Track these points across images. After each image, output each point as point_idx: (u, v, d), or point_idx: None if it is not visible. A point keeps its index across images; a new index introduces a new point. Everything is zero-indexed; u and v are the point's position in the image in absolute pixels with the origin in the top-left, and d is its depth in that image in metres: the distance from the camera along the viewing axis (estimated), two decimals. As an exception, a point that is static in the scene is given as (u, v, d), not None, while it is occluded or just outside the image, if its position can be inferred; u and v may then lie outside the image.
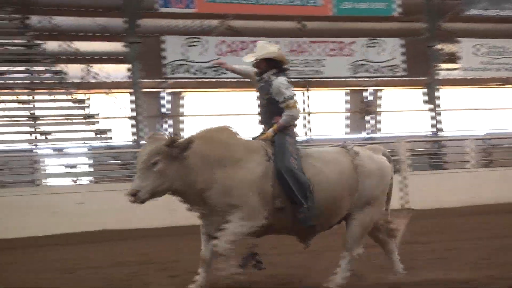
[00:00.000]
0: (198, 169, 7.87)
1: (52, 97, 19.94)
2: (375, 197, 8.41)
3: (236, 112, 22.54)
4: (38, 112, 19.46)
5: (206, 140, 8.06)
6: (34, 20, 20.78)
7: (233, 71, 8.88)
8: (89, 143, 19.19)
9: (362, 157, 8.44)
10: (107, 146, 19.17)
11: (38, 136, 19.12)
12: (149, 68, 20.80)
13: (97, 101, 21.61)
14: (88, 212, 15.03)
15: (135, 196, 7.61)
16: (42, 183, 16.96)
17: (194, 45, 21.18)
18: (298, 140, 8.34)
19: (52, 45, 20.87)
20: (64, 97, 19.96)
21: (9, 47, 20.14)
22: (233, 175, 7.93)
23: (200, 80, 21.86)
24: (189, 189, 7.91)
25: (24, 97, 19.57)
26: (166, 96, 23.26)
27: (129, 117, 21.23)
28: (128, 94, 21.48)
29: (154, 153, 7.79)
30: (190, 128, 22.72)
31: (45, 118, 19.38)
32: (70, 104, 19.94)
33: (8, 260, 11.78)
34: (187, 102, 23.73)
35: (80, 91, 20.47)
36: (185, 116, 23.63)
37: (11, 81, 19.86)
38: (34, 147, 18.79)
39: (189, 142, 7.82)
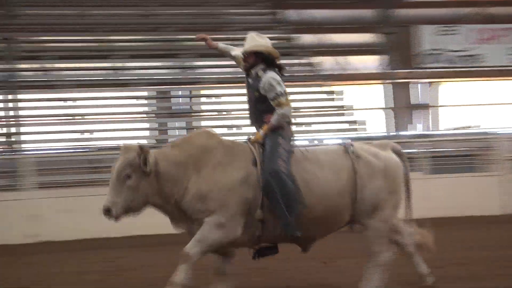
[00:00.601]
0: (174, 179, 7.35)
1: (307, 89, 20.24)
2: (383, 199, 7.58)
3: (496, 102, 21.68)
4: (293, 104, 19.74)
5: (181, 148, 7.52)
6: (290, 14, 21.27)
7: (216, 49, 8.22)
8: (343, 134, 19.28)
9: (363, 158, 7.60)
10: (362, 138, 19.14)
11: (295, 128, 19.43)
12: (400, 59, 20.57)
13: (351, 93, 21.67)
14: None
15: (108, 213, 7.16)
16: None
17: (446, 34, 20.63)
18: (293, 140, 7.52)
19: (307, 38, 21.21)
20: (318, 89, 20.20)
21: (265, 42, 20.61)
22: (209, 179, 7.32)
23: (456, 69, 21.29)
24: (167, 202, 7.38)
25: (282, 90, 19.89)
26: (420, 87, 22.85)
27: (383, 108, 21.11)
28: (380, 85, 21.37)
29: (125, 166, 7.27)
30: (446, 119, 22.18)
31: (301, 110, 19.69)
32: (325, 96, 20.13)
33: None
34: (443, 92, 23.15)
35: (334, 82, 20.62)
36: (441, 106, 23.05)
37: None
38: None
39: (154, 156, 7.26)
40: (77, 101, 18.10)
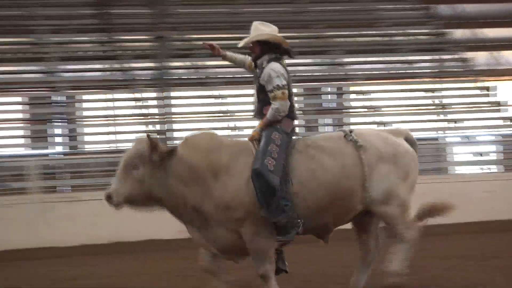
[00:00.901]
0: (187, 181, 7.18)
1: (459, 85, 19.76)
2: (395, 185, 7.33)
3: None
4: (445, 101, 19.40)
5: (193, 149, 7.31)
6: (442, 8, 20.82)
7: (224, 57, 7.89)
8: (497, 131, 18.70)
9: (368, 144, 7.34)
10: (517, 134, 18.52)
11: (445, 124, 19.06)
12: None
13: (505, 88, 20.94)
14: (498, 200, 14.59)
15: (109, 200, 7.11)
16: (449, 171, 16.85)
17: None
18: (292, 134, 7.34)
19: (460, 33, 20.69)
20: (471, 84, 19.66)
21: (417, 37, 20.36)
22: (228, 185, 7.14)
23: None
24: (177, 201, 7.22)
25: (432, 86, 19.60)
26: None
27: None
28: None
29: (135, 157, 7.19)
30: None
31: (453, 106, 19.23)
32: (478, 91, 19.58)
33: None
34: None
35: (488, 78, 20.00)
36: None
37: (419, 70, 20.02)
38: (441, 135, 18.74)
39: (173, 150, 7.18)
40: (227, 98, 18.36)
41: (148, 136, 7.18)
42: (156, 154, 7.12)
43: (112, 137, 17.74)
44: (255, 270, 7.15)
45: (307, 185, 7.20)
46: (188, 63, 18.64)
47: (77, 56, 18.36)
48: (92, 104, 18.16)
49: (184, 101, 18.33)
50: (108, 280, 9.81)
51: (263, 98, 7.33)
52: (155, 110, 17.22)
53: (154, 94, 17.25)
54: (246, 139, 7.44)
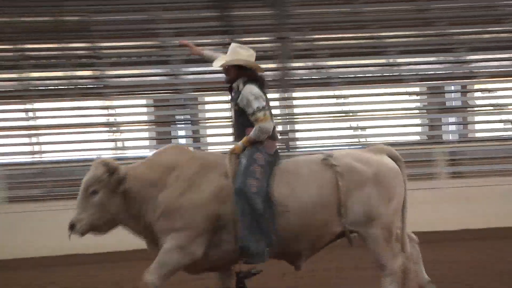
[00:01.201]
0: (142, 199, 7.02)
1: None
2: (376, 206, 7.10)
3: None
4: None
5: (150, 165, 7.19)
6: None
7: (201, 55, 7.87)
8: None
9: (347, 167, 7.12)
10: None
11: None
12: None
13: None
14: None
15: (72, 228, 6.96)
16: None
17: None
18: (276, 155, 7.19)
19: None
20: None
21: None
22: (178, 196, 6.98)
23: None
24: (138, 223, 7.08)
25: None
26: None
27: None
28: None
29: (93, 182, 7.01)
30: None
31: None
32: None
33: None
34: None
35: None
36: None
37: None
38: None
39: (125, 173, 6.97)
40: (349, 98, 18.20)
41: (104, 160, 7.11)
42: (114, 178, 7.00)
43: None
44: (144, 274, 6.92)
45: (282, 213, 7.04)
46: (309, 64, 18.60)
47: (199, 59, 18.56)
48: (214, 106, 18.36)
49: (306, 101, 18.28)
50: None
51: (242, 122, 7.26)
52: (277, 111, 17.24)
53: (276, 95, 17.27)
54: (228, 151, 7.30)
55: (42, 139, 16.52)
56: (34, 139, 16.37)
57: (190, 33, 18.39)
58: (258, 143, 7.18)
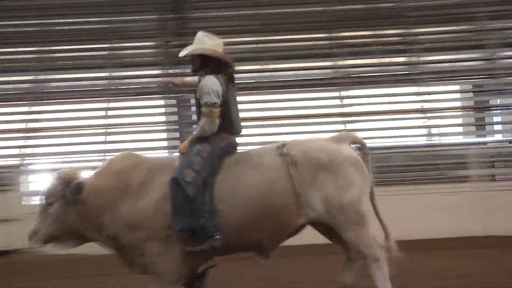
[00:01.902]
0: (99, 210, 7.00)
1: None
2: (335, 193, 6.92)
3: None
4: None
5: (104, 175, 7.13)
6: None
7: (184, 85, 7.80)
8: None
9: (299, 156, 6.98)
10: None
11: None
12: None
13: None
14: None
15: (31, 239, 7.04)
16: None
17: None
18: (228, 148, 7.08)
19: None
20: None
21: None
22: (133, 205, 6.96)
23: None
24: (99, 234, 7.04)
25: None
26: None
27: None
28: None
29: (48, 194, 7.06)
30: None
31: None
32: None
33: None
34: None
35: None
36: None
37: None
38: None
39: (79, 184, 6.97)
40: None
41: (62, 172, 7.13)
42: (68, 190, 7.01)
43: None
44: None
45: (228, 202, 6.97)
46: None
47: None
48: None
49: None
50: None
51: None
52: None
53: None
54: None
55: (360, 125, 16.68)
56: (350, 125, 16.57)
57: (507, 16, 17.73)
58: (211, 135, 7.12)
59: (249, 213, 7.07)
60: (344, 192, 7.05)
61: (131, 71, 17.01)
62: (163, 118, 16.71)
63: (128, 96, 16.84)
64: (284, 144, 7.24)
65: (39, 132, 16.52)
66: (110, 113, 16.58)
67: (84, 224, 7.18)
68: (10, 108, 17.14)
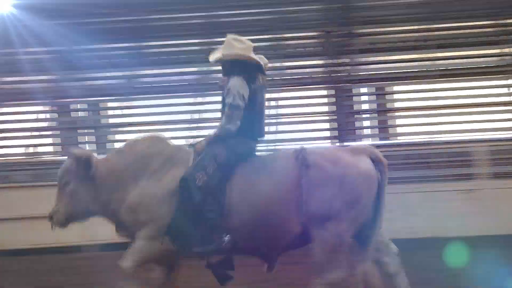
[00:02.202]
0: (112, 187, 7.21)
1: None
2: (334, 210, 6.78)
3: None
4: None
5: (123, 154, 7.33)
6: None
7: None
8: None
9: (314, 164, 6.86)
10: None
11: None
12: None
13: None
14: None
15: (51, 220, 7.25)
16: None
17: None
18: (246, 152, 7.05)
19: None
20: None
21: None
22: (143, 189, 7.11)
23: None
24: (105, 211, 7.23)
25: None
26: None
27: None
28: None
29: (63, 173, 7.32)
30: None
31: None
32: None
33: None
34: None
35: None
36: None
37: None
38: None
39: (89, 160, 7.10)
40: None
41: (73, 151, 7.36)
42: (82, 168, 7.23)
43: None
44: (121, 263, 7.06)
45: (238, 206, 7.03)
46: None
47: None
48: None
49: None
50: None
51: None
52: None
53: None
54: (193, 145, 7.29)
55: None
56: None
57: None
58: (229, 138, 7.19)
59: (255, 218, 7.24)
60: (346, 210, 7.06)
61: (295, 61, 17.23)
62: (325, 108, 16.87)
63: (292, 86, 17.05)
64: (302, 150, 7.33)
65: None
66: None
67: (94, 201, 7.56)
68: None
